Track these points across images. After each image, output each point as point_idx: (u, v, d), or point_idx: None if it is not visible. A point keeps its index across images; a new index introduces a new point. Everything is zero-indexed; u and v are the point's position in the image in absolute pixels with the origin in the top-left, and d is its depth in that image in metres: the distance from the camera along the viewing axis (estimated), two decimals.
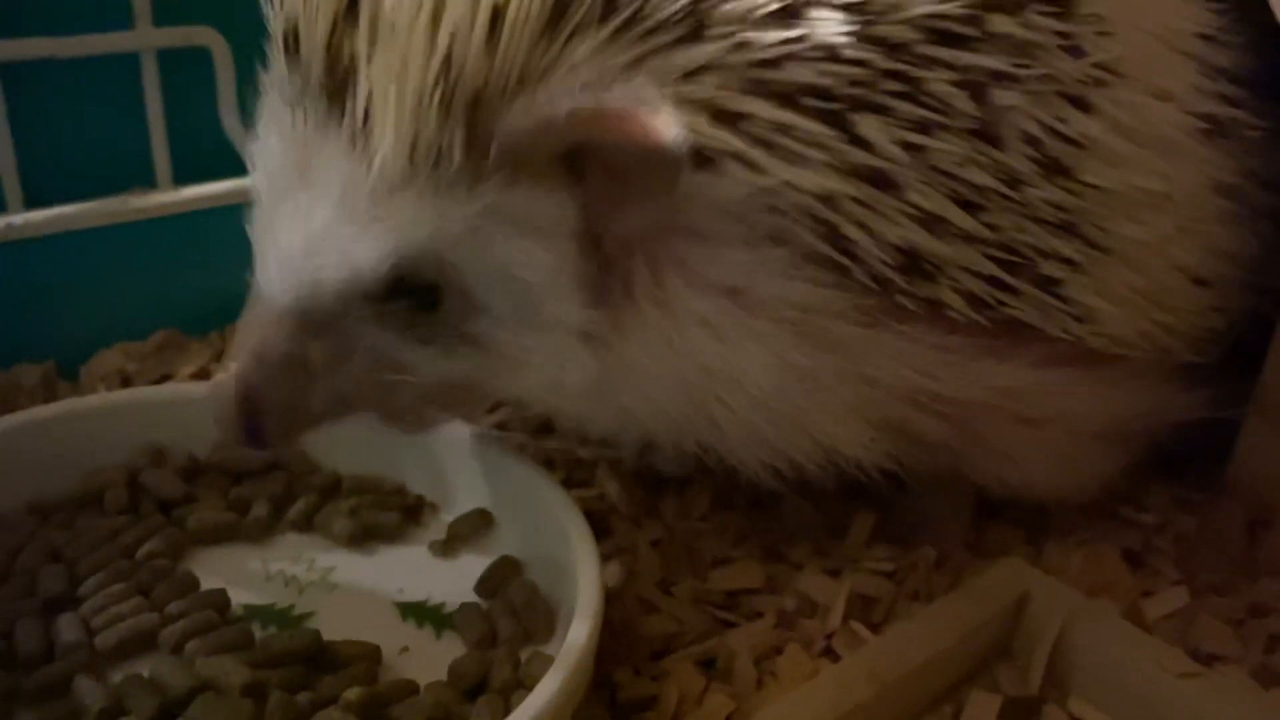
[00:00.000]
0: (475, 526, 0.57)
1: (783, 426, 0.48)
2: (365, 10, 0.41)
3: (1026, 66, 0.45)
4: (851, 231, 0.44)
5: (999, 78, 0.44)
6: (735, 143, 0.42)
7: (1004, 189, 0.45)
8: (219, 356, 0.76)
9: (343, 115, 0.42)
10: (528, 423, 0.70)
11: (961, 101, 0.44)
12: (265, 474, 0.59)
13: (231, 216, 0.74)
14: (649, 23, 0.41)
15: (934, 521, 0.62)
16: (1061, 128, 0.46)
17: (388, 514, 0.57)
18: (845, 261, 0.44)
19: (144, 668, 0.47)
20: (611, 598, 0.51)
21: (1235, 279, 0.56)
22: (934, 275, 0.46)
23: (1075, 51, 0.46)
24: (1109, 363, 0.52)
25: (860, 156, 0.43)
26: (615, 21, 0.40)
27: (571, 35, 0.40)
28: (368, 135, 0.41)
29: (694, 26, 0.41)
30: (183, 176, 0.75)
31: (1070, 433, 0.55)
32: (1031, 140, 0.45)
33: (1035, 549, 0.62)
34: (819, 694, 0.49)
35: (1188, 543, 0.63)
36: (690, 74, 0.41)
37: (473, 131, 0.40)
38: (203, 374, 0.74)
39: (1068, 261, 0.47)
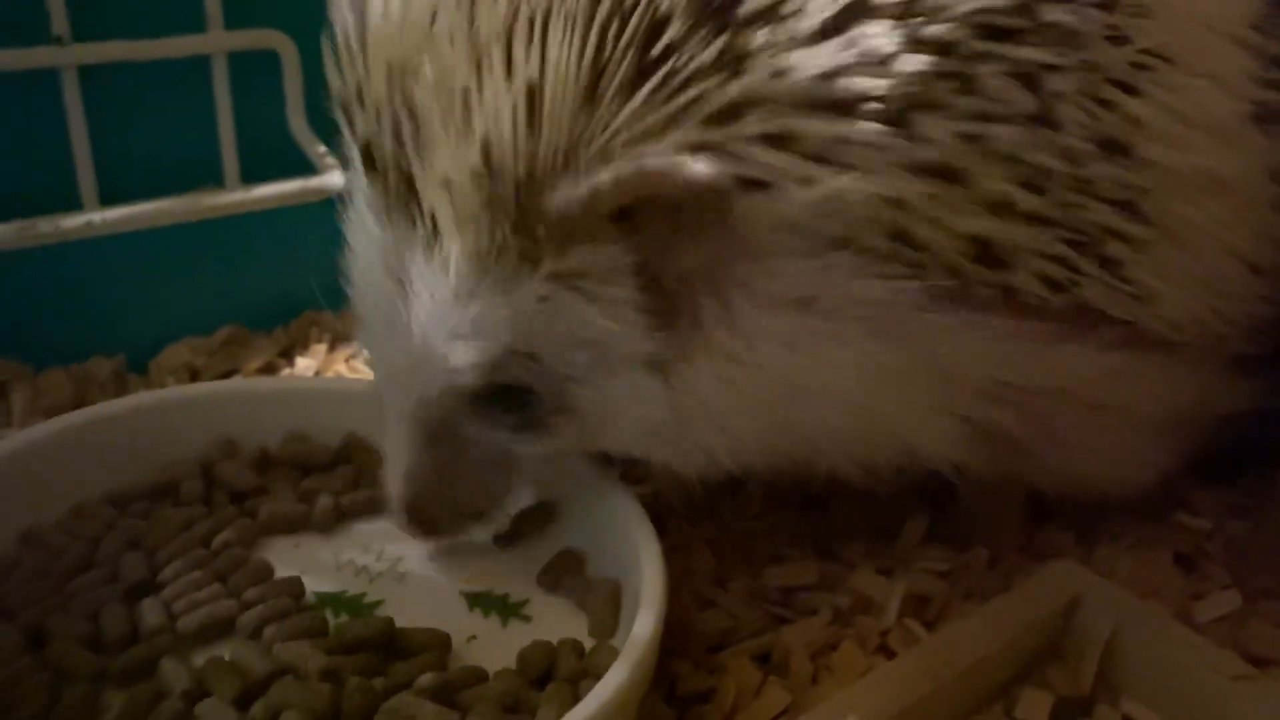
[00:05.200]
0: (538, 519, 0.58)
1: (869, 430, 0.49)
2: (407, 127, 0.43)
3: (1074, 54, 0.45)
4: (922, 230, 0.44)
5: (1048, 68, 0.45)
6: (789, 163, 0.42)
7: (1066, 168, 0.45)
8: (283, 351, 0.78)
9: (415, 228, 0.45)
10: None
11: (1016, 92, 0.44)
12: (333, 467, 0.61)
13: (296, 216, 0.77)
14: (687, 71, 0.41)
15: (986, 524, 0.62)
16: (1112, 112, 0.46)
17: None
18: (917, 256, 0.45)
19: (224, 652, 0.49)
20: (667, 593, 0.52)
21: None
22: (1006, 262, 0.46)
23: (1119, 40, 0.46)
24: (1167, 349, 0.52)
25: (924, 153, 0.43)
26: (654, 78, 0.41)
27: (612, 99, 0.41)
28: (439, 244, 0.44)
29: (733, 64, 0.41)
30: (250, 176, 0.77)
31: (1131, 420, 0.55)
32: (1084, 124, 0.46)
33: (1086, 552, 0.63)
34: (876, 689, 0.50)
35: (1239, 547, 0.64)
36: (736, 110, 0.41)
37: (519, 221, 0.42)
38: (268, 369, 0.76)
39: (1129, 241, 0.48)
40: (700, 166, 0.40)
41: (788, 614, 0.58)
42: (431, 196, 0.43)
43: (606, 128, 0.41)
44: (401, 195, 0.45)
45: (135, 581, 0.52)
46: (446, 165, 0.42)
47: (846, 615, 0.57)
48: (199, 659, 0.48)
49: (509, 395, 0.47)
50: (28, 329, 0.73)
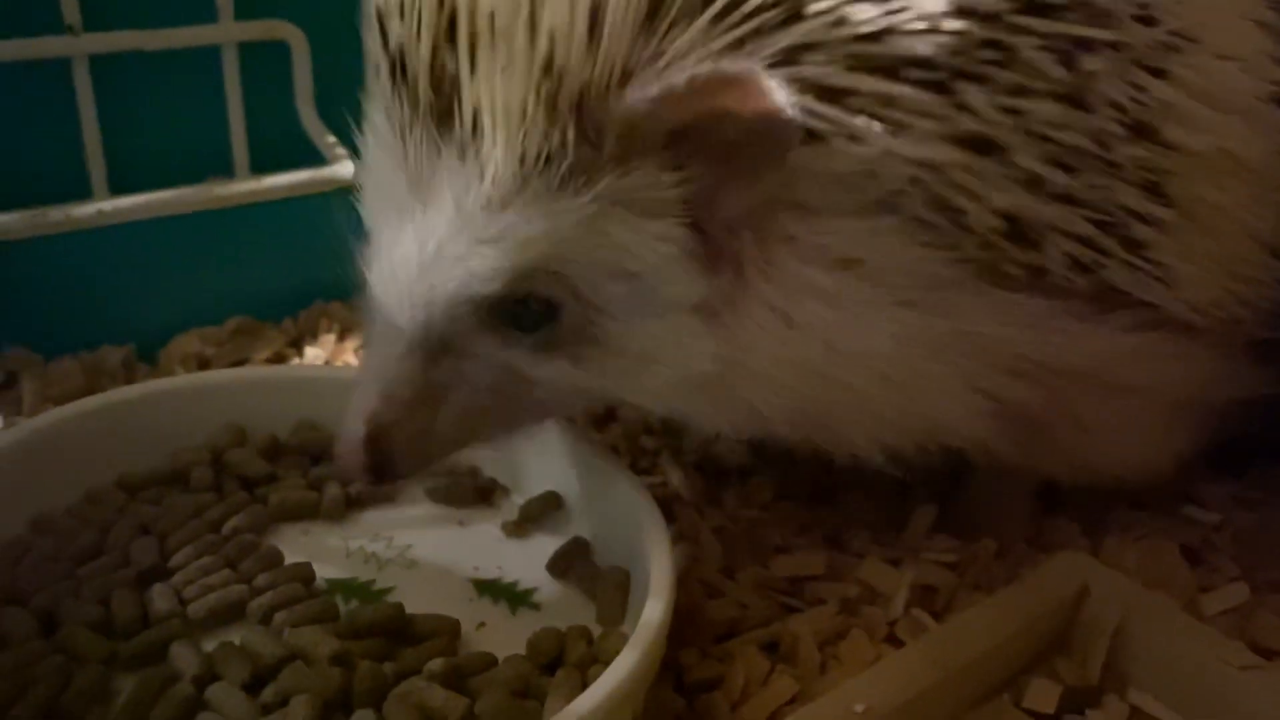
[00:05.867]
0: (546, 508, 0.58)
1: (898, 402, 0.49)
2: (464, 27, 0.42)
3: (1106, 33, 0.46)
4: (960, 200, 0.45)
5: (1084, 44, 0.45)
6: (842, 118, 0.42)
7: (1096, 150, 0.46)
8: (292, 342, 0.78)
9: (451, 132, 0.43)
10: (591, 410, 0.72)
11: (1052, 67, 0.45)
12: None
13: (306, 206, 0.77)
14: (748, 7, 0.42)
15: (995, 515, 0.63)
16: (1142, 95, 0.47)
17: (463, 494, 0.59)
18: (954, 230, 0.45)
19: (234, 637, 0.49)
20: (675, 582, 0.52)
21: None
22: (1036, 241, 0.47)
23: (1149, 20, 0.47)
24: (1187, 333, 0.53)
25: (965, 123, 0.44)
26: (714, 8, 0.41)
27: (671, 25, 0.41)
28: (478, 147, 0.43)
29: (792, 7, 0.42)
30: (260, 166, 0.78)
31: (1151, 404, 0.56)
32: (1117, 105, 0.46)
33: (1094, 545, 0.63)
34: (883, 679, 0.50)
35: (1247, 540, 0.64)
36: (792, 53, 0.42)
37: (582, 125, 0.41)
38: (277, 359, 0.76)
39: (1154, 224, 0.48)
40: (778, 88, 0.40)
41: (796, 603, 0.58)
42: (480, 96, 0.42)
43: (669, 50, 0.41)
44: (436, 102, 0.43)
45: (146, 567, 0.52)
46: (505, 62, 0.41)
47: (854, 605, 0.57)
48: (210, 644, 0.48)
49: (530, 310, 0.45)
50: (38, 318, 0.73)
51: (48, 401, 0.69)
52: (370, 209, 0.47)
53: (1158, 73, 0.47)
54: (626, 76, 0.41)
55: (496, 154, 0.42)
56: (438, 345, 0.46)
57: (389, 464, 0.47)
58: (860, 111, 0.43)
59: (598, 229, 0.43)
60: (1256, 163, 0.51)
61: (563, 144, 0.42)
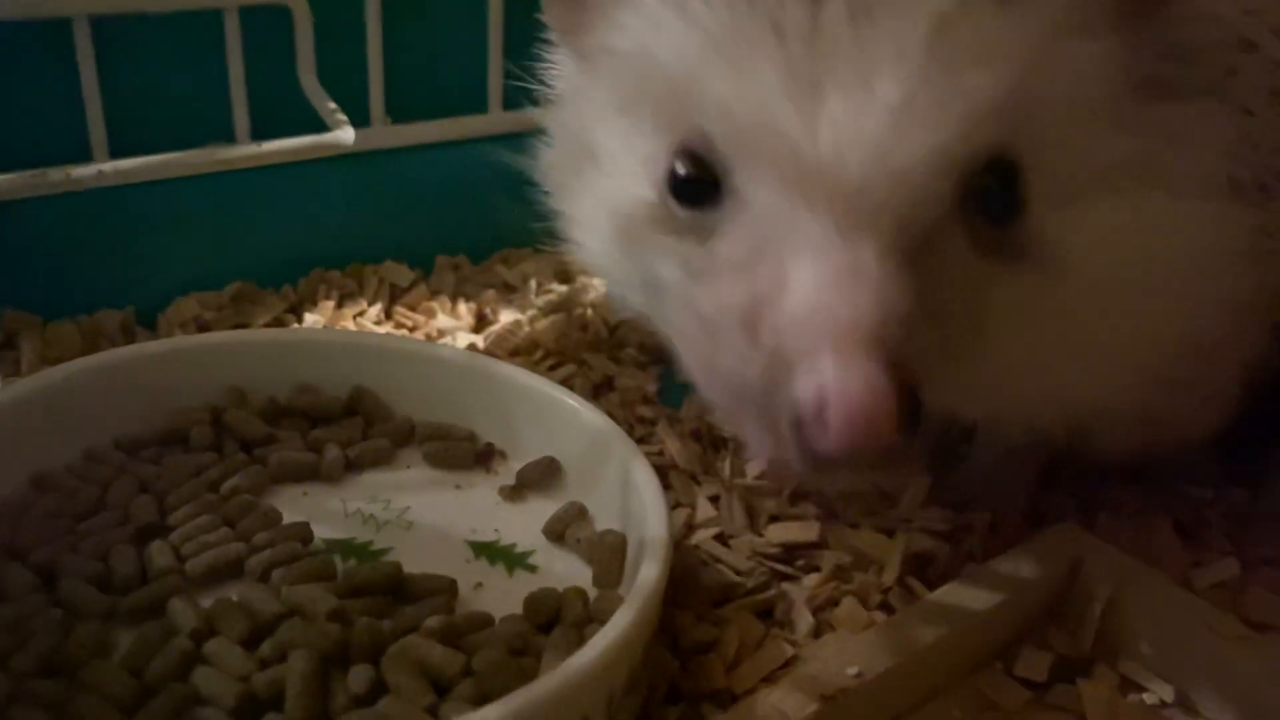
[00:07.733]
0: (543, 473, 0.59)
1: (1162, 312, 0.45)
2: None
3: None
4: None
5: None
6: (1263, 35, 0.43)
7: None
8: (291, 308, 0.78)
9: None
10: (589, 379, 0.72)
11: None
12: (342, 419, 0.61)
13: (306, 172, 0.77)
14: None
15: (994, 487, 0.63)
16: None
17: (460, 458, 0.59)
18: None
19: (232, 593, 0.49)
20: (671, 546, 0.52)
21: None
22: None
23: None
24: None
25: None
26: None
27: None
28: None
29: None
30: (261, 132, 0.77)
31: (1226, 361, 0.54)
32: None
33: (1088, 519, 0.63)
34: (876, 644, 0.50)
35: (1239, 516, 0.64)
36: None
37: None
38: (276, 324, 0.76)
39: None
40: None
41: (790, 570, 0.58)
42: None
43: None
44: None
45: (145, 524, 0.52)
46: None
47: (848, 573, 0.58)
48: (208, 600, 0.49)
49: (997, 196, 0.36)
50: (37, 280, 0.73)
51: (46, 364, 0.68)
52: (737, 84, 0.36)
53: None
54: None
55: None
56: (915, 243, 0.34)
57: (919, 408, 0.33)
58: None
59: (1077, 72, 0.37)
60: None
61: None
